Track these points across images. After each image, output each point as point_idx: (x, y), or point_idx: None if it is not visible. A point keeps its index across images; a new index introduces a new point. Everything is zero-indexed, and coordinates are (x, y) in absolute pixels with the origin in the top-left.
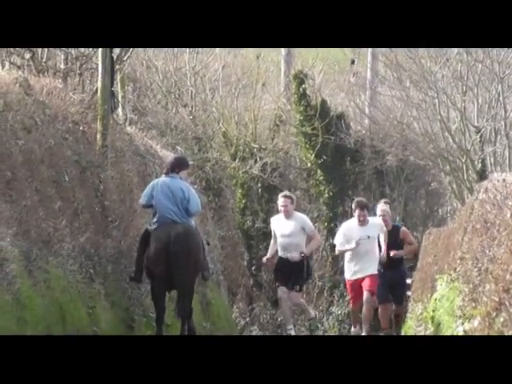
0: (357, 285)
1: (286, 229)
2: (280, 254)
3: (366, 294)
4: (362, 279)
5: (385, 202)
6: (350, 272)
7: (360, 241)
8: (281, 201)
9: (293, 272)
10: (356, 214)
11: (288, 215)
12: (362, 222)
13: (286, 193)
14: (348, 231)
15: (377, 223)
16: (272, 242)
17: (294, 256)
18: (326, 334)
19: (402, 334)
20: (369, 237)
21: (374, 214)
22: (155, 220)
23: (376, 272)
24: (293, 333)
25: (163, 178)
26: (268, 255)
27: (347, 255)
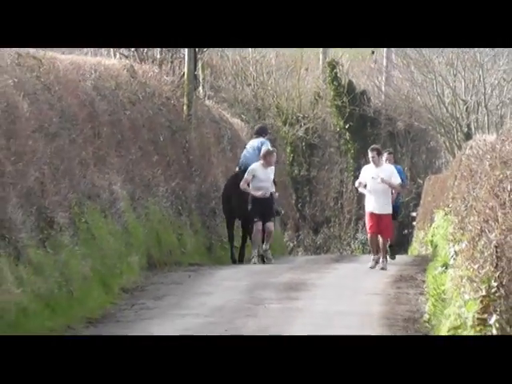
0: (374, 217)
1: (267, 176)
2: (255, 194)
3: (381, 239)
4: (380, 216)
5: (389, 153)
6: (370, 205)
7: (373, 179)
8: (270, 154)
9: (267, 207)
10: (369, 156)
11: (269, 166)
12: (375, 163)
13: (274, 150)
14: (365, 171)
15: (389, 168)
16: (246, 184)
17: (262, 192)
18: (351, 254)
19: (409, 253)
20: (378, 177)
21: None
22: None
23: (390, 212)
24: (256, 259)
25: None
26: (258, 193)
27: (367, 192)
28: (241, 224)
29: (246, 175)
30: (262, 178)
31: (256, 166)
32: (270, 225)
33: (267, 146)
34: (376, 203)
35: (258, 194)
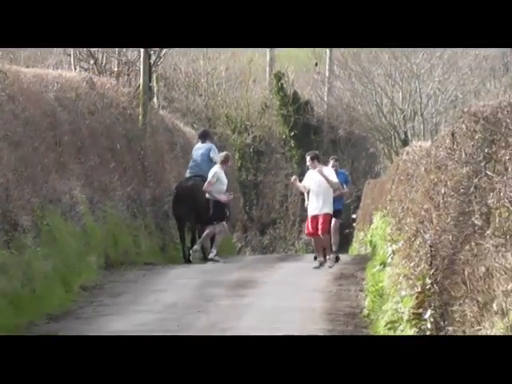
0: (314, 220)
1: (226, 179)
2: (220, 198)
3: (320, 233)
4: (317, 216)
5: (335, 160)
6: (311, 209)
7: (313, 183)
8: (227, 159)
9: (225, 209)
10: (307, 162)
11: (226, 168)
12: (313, 168)
13: (229, 155)
14: (307, 176)
15: (328, 169)
16: (210, 187)
17: (227, 196)
18: (295, 254)
19: (349, 253)
20: (320, 180)
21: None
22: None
23: (330, 211)
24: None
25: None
26: (224, 197)
27: (310, 196)
28: (189, 226)
29: (210, 178)
30: (224, 182)
31: (218, 170)
32: (223, 224)
33: (215, 152)
34: (316, 204)
35: (224, 198)
